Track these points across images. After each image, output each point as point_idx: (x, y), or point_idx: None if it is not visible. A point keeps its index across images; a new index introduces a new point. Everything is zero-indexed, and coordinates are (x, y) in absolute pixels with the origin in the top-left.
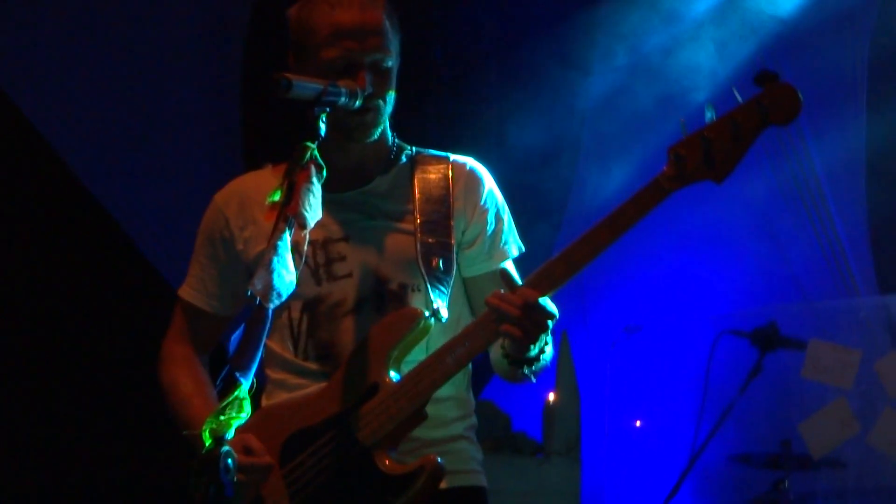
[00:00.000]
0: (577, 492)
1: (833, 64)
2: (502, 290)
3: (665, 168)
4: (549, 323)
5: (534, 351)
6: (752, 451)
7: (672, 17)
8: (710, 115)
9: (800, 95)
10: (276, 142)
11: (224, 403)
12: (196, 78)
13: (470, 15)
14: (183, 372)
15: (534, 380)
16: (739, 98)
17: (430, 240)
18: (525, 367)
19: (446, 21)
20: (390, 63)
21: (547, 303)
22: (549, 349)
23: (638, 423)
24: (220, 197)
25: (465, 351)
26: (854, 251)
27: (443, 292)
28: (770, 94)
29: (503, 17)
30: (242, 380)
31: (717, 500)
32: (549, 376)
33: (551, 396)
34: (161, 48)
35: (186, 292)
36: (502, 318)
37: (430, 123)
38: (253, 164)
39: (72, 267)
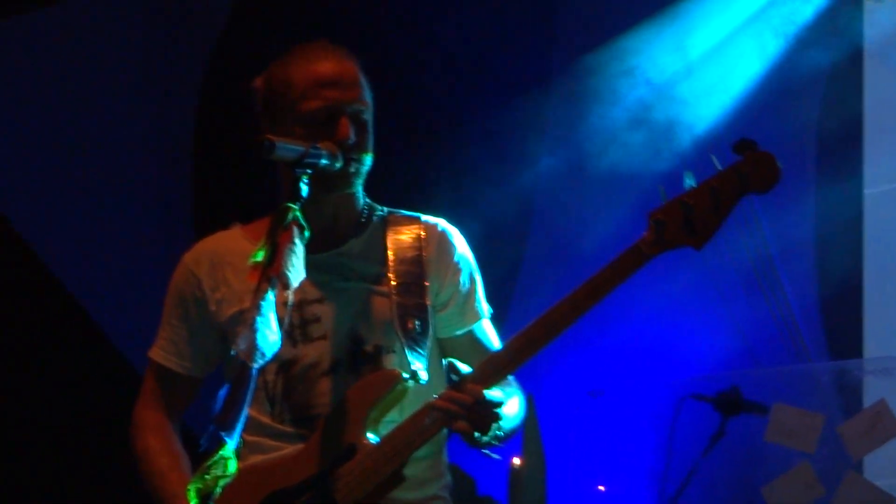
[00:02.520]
0: None
1: (783, 138)
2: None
3: (645, 234)
4: (500, 412)
5: (487, 438)
6: None
7: (634, 82)
8: (689, 181)
9: (779, 164)
10: (228, 208)
11: (209, 462)
12: (146, 144)
13: (421, 78)
14: (157, 441)
15: (497, 456)
16: (718, 166)
17: (406, 301)
18: (484, 447)
19: (400, 82)
20: (368, 117)
21: (494, 394)
22: (508, 419)
23: (602, 488)
24: (190, 257)
25: (418, 436)
26: (806, 321)
27: (420, 354)
28: (749, 161)
29: (457, 80)
30: (227, 439)
31: None
32: (515, 440)
33: (517, 461)
34: (109, 115)
35: (158, 354)
36: (451, 418)
37: (381, 184)
38: (203, 232)
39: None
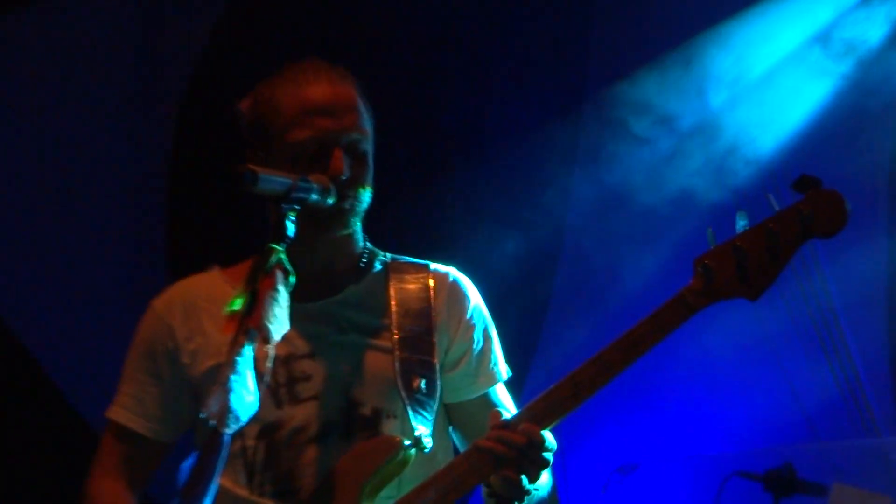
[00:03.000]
0: None
1: (851, 175)
2: (495, 421)
3: (691, 282)
4: (550, 458)
5: (530, 489)
6: None
7: (679, 108)
8: (742, 223)
9: (847, 205)
10: (208, 249)
11: None
12: (114, 175)
13: (436, 110)
14: None
15: None
16: (776, 206)
17: (411, 358)
18: None
19: (409, 116)
20: (367, 147)
21: (549, 436)
22: (545, 479)
23: None
24: (160, 303)
25: (453, 487)
26: (874, 389)
27: (426, 418)
28: (812, 201)
29: (477, 103)
30: None
31: None
32: None
33: None
34: (73, 138)
35: (120, 414)
36: (499, 462)
37: (387, 229)
38: (176, 277)
39: None
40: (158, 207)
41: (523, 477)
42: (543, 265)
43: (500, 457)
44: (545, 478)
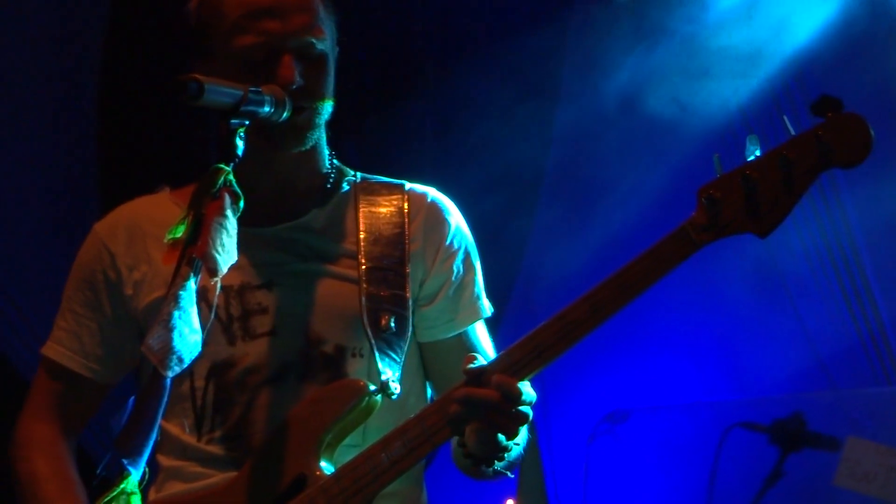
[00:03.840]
0: None
1: (874, 96)
2: (470, 367)
3: (694, 214)
4: (530, 412)
5: (509, 446)
6: None
7: (659, 33)
8: (753, 149)
9: (871, 132)
10: (148, 173)
11: (107, 499)
12: (38, 91)
13: (405, 18)
14: (46, 463)
15: (510, 475)
16: (792, 130)
17: (380, 292)
18: (494, 464)
19: (375, 21)
20: (323, 48)
21: (527, 388)
22: (522, 436)
23: None
24: (102, 227)
25: (423, 441)
26: None
27: (394, 360)
28: (832, 126)
29: (450, 21)
30: (131, 469)
31: None
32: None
33: (510, 503)
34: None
35: (54, 350)
36: (472, 418)
37: (348, 147)
38: (110, 206)
39: None
40: (88, 125)
41: (500, 434)
42: (524, 192)
43: (472, 413)
44: (522, 436)
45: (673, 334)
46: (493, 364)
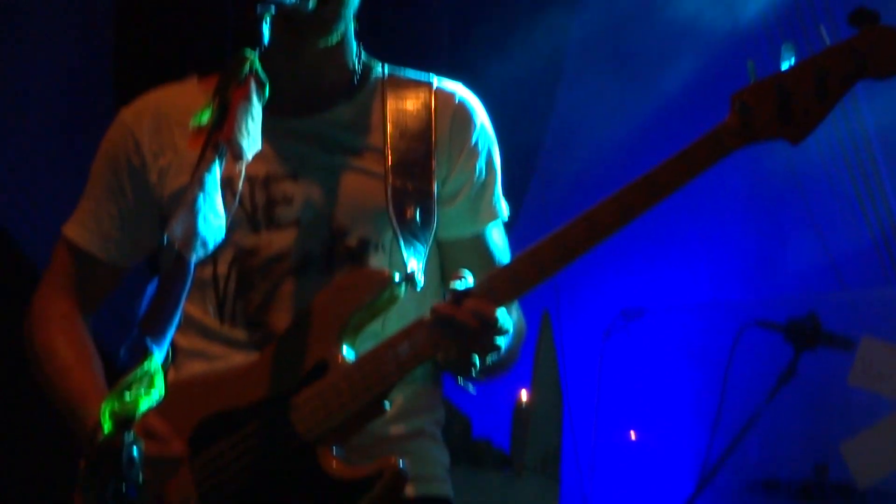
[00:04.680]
0: None
1: None
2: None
3: (727, 119)
4: (503, 342)
5: (475, 371)
6: (778, 477)
7: None
8: (788, 56)
9: None
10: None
11: (130, 378)
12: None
13: None
14: (62, 335)
15: (482, 380)
16: (827, 40)
17: (406, 185)
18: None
19: None
20: None
21: (504, 316)
22: (505, 342)
23: (633, 435)
24: (128, 113)
25: (425, 348)
26: None
27: (419, 251)
28: (867, 37)
29: None
30: (155, 349)
31: None
32: (524, 368)
33: (524, 395)
34: None
35: (76, 231)
36: (446, 334)
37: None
38: (124, 99)
39: None
40: (104, 15)
41: (475, 357)
42: (540, 91)
43: (446, 334)
44: (515, 315)
45: (686, 234)
46: (483, 283)
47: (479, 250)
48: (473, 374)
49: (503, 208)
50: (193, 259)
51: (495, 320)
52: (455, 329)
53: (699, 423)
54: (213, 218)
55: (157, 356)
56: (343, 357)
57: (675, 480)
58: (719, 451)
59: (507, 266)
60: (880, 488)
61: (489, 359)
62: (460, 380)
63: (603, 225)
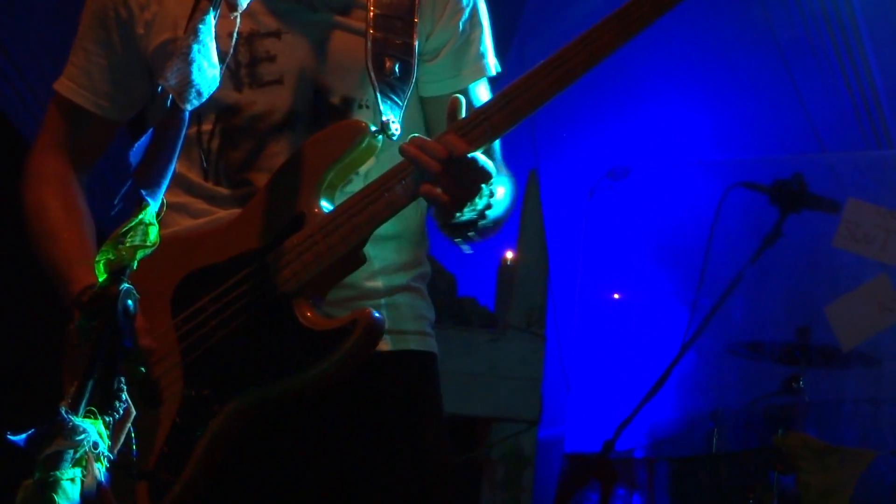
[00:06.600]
0: (538, 377)
1: None
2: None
3: None
4: (483, 186)
5: (464, 217)
6: (761, 340)
7: None
8: None
9: None
10: None
11: (125, 228)
12: None
13: None
14: (53, 194)
15: (477, 240)
16: None
17: (386, 38)
18: (460, 233)
19: None
20: None
21: (482, 158)
22: (496, 204)
23: (617, 296)
24: None
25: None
26: (891, 99)
27: (396, 104)
28: None
29: None
30: (149, 199)
31: (711, 400)
32: (510, 228)
33: (510, 254)
34: None
35: (66, 87)
36: (420, 175)
37: None
38: None
39: None
40: None
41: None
42: None
43: (420, 165)
44: (500, 195)
45: (667, 94)
46: (460, 120)
47: (467, 106)
48: (462, 223)
49: (490, 65)
50: (188, 107)
51: (463, 153)
52: (421, 165)
53: (683, 284)
54: (207, 67)
55: (152, 207)
56: (319, 209)
57: (658, 341)
58: (703, 313)
59: (484, 105)
60: (863, 350)
61: (474, 206)
62: (456, 240)
63: (570, 66)
